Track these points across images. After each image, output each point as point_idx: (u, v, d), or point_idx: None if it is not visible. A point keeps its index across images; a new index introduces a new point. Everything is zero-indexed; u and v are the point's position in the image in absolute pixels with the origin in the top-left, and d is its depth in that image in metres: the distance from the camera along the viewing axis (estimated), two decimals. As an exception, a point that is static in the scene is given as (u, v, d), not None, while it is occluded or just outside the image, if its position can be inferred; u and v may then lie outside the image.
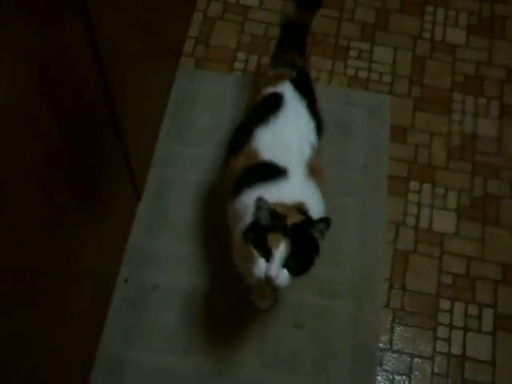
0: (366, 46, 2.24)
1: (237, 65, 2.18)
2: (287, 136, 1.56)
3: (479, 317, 1.83)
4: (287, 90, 1.63)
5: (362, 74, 2.19)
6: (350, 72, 2.19)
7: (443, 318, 1.83)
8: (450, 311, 1.84)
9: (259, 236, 1.31)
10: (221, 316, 1.79)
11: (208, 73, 2.16)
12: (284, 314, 1.80)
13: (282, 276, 1.30)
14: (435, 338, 1.81)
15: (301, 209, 1.40)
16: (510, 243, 1.93)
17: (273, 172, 1.48)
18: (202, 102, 2.10)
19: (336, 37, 2.25)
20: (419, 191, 2.00)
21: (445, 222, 1.96)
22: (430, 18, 2.30)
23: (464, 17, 2.31)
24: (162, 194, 1.95)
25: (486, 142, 2.09)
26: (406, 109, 2.14)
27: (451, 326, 1.82)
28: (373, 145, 2.06)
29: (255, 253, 1.31)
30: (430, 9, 2.32)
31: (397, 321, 1.82)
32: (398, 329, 1.82)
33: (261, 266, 1.30)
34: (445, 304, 1.85)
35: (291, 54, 1.77)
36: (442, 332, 1.81)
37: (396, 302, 1.85)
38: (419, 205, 1.98)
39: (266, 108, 1.61)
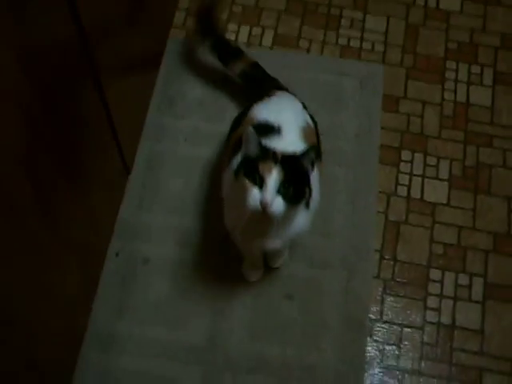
0: (358, 15, 2.21)
1: (228, 36, 2.15)
2: (283, 104, 1.66)
3: (469, 286, 1.82)
4: (284, 92, 1.78)
5: (354, 44, 2.17)
6: (342, 41, 2.17)
7: (433, 288, 1.83)
8: (441, 281, 1.83)
9: (251, 167, 1.34)
10: (211, 288, 1.80)
11: (199, 45, 2.14)
12: (274, 285, 1.81)
13: (277, 203, 1.33)
14: (425, 308, 1.80)
15: None
16: (501, 212, 1.92)
17: (267, 129, 1.52)
18: (193, 74, 2.09)
19: (328, 6, 2.22)
20: (411, 161, 1.98)
21: (437, 192, 1.95)
22: (424, -15, 2.27)
23: (458, -17, 2.27)
24: (152, 167, 1.95)
25: (478, 110, 2.06)
26: (398, 78, 2.11)
27: (441, 296, 1.81)
28: (365, 114, 2.04)
29: (248, 183, 1.34)
30: (423, -24, 2.28)
31: (387, 291, 1.82)
32: (388, 299, 1.82)
33: (255, 194, 1.33)
34: (435, 274, 1.84)
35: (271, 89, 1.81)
36: (432, 302, 1.81)
37: (387, 272, 1.84)
38: (411, 175, 1.96)
39: (264, 93, 1.72)
